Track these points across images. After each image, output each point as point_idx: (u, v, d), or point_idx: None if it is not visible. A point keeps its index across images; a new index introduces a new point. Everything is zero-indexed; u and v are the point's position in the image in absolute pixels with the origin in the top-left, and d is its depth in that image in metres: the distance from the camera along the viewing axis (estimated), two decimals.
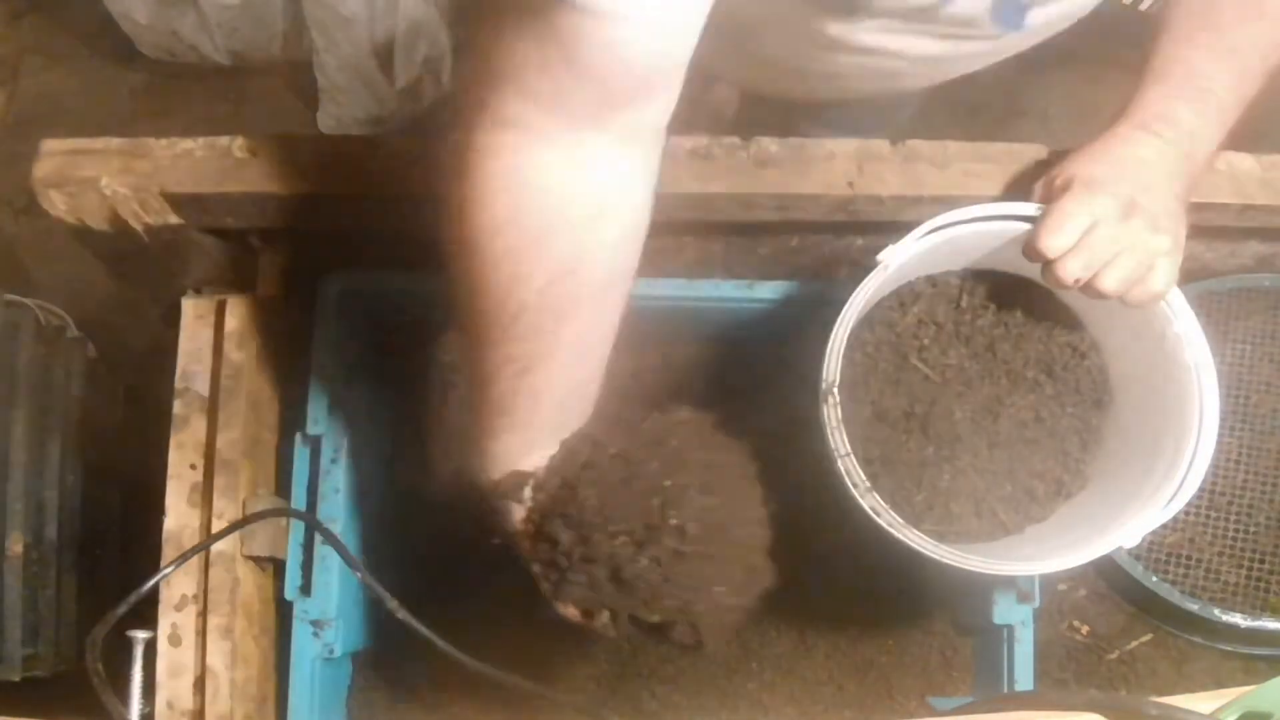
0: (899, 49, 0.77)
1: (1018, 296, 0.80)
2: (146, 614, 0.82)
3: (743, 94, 1.11)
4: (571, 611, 0.71)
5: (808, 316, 0.83)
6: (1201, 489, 0.74)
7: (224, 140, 0.82)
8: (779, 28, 0.78)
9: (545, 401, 0.64)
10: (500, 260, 0.57)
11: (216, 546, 0.85)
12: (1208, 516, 0.99)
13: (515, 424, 0.65)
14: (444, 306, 0.63)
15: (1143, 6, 0.68)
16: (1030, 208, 0.74)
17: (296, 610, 0.86)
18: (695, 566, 0.64)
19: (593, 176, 0.56)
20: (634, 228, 0.60)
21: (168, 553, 0.85)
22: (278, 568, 0.90)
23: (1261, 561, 0.98)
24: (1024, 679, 0.85)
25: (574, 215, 0.57)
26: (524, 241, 0.57)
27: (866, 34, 0.75)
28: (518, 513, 0.68)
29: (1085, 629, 1.00)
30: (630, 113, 0.55)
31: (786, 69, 0.85)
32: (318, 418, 0.88)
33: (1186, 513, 0.96)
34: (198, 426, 0.88)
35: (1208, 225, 0.86)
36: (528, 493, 0.67)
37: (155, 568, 0.81)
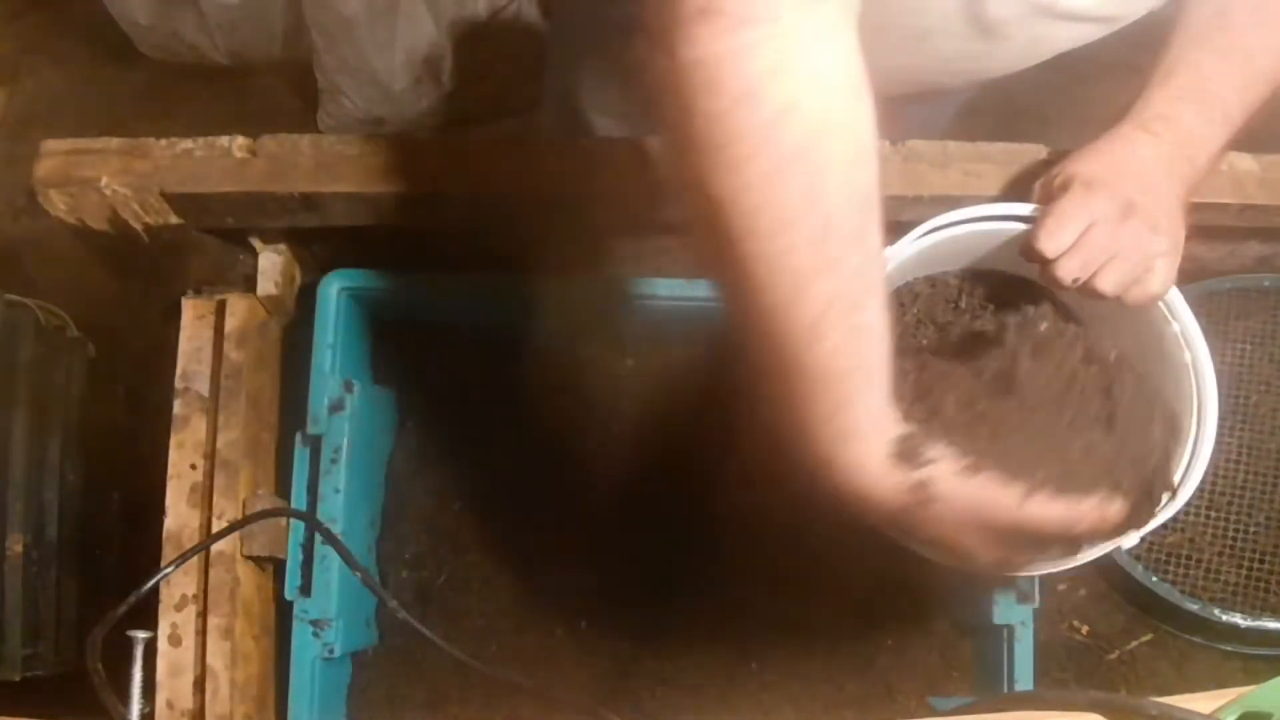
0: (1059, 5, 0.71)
1: (1017, 296, 0.80)
2: (146, 614, 0.82)
3: None
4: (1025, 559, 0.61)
5: None
6: (1201, 489, 0.74)
7: (224, 140, 0.82)
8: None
9: (882, 335, 0.53)
10: (793, 167, 0.50)
11: (216, 546, 0.85)
12: (1208, 516, 0.99)
13: (867, 379, 0.53)
14: (722, 296, 0.53)
15: None
16: (1029, 208, 0.74)
17: (296, 610, 0.86)
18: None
19: (845, 48, 0.51)
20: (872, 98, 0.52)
21: (168, 553, 0.85)
22: (278, 568, 0.90)
23: (1261, 561, 0.98)
24: (1024, 679, 0.86)
25: (849, 90, 0.51)
26: (816, 132, 0.50)
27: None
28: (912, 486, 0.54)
29: (1085, 629, 1.00)
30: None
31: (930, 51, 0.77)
32: (318, 418, 0.88)
33: (1186, 513, 0.95)
34: (198, 426, 0.88)
35: (1208, 225, 0.86)
36: (931, 454, 0.54)
37: (155, 568, 0.81)
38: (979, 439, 0.56)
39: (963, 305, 0.79)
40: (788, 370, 0.53)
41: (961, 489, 0.54)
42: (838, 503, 0.56)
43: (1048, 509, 0.55)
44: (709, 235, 0.52)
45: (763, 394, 0.56)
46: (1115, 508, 0.57)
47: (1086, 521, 0.56)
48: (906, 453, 0.53)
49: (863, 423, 0.54)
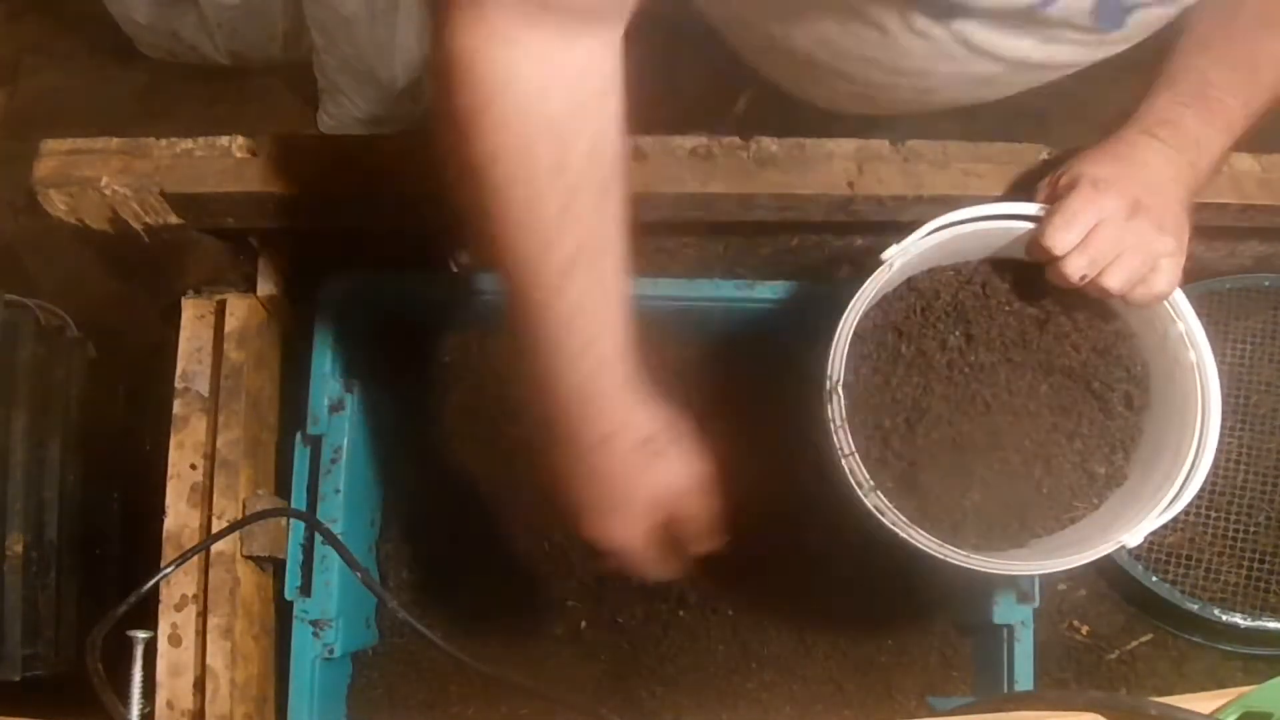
0: (997, 51, 0.74)
1: (1019, 291, 0.80)
2: (146, 614, 0.82)
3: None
4: None
5: (808, 316, 0.83)
6: (1201, 489, 0.74)
7: (224, 140, 0.82)
8: (877, 34, 0.74)
9: (621, 289, 0.61)
10: (539, 142, 0.56)
11: (216, 546, 0.85)
12: (1208, 516, 0.99)
13: (611, 322, 0.62)
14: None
15: None
16: (1033, 207, 0.74)
17: (296, 610, 0.86)
18: None
19: (591, 54, 0.57)
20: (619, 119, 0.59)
21: (168, 553, 0.85)
22: (278, 568, 0.90)
23: (1261, 561, 0.98)
24: (1024, 679, 0.86)
25: (586, 88, 0.57)
26: (558, 118, 0.56)
27: (967, 34, 0.72)
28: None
29: (1085, 629, 1.00)
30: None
31: (875, 80, 0.81)
32: (318, 418, 0.88)
33: (1186, 513, 0.95)
34: (198, 426, 0.88)
35: (1208, 225, 0.86)
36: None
37: (155, 568, 0.81)
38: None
39: (963, 304, 0.79)
40: (541, 322, 0.60)
41: (689, 462, 0.66)
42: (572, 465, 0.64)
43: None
44: (474, 210, 0.58)
45: (530, 386, 0.63)
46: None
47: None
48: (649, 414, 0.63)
49: (611, 355, 0.62)
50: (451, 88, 0.56)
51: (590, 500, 0.66)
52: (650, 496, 0.66)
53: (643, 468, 0.65)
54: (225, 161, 0.81)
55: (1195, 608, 0.94)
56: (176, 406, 0.88)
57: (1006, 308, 0.78)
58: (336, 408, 0.88)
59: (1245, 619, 0.94)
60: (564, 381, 0.62)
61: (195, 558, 0.84)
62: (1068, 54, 0.74)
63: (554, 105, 0.56)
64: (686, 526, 0.69)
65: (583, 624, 0.97)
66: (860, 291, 0.73)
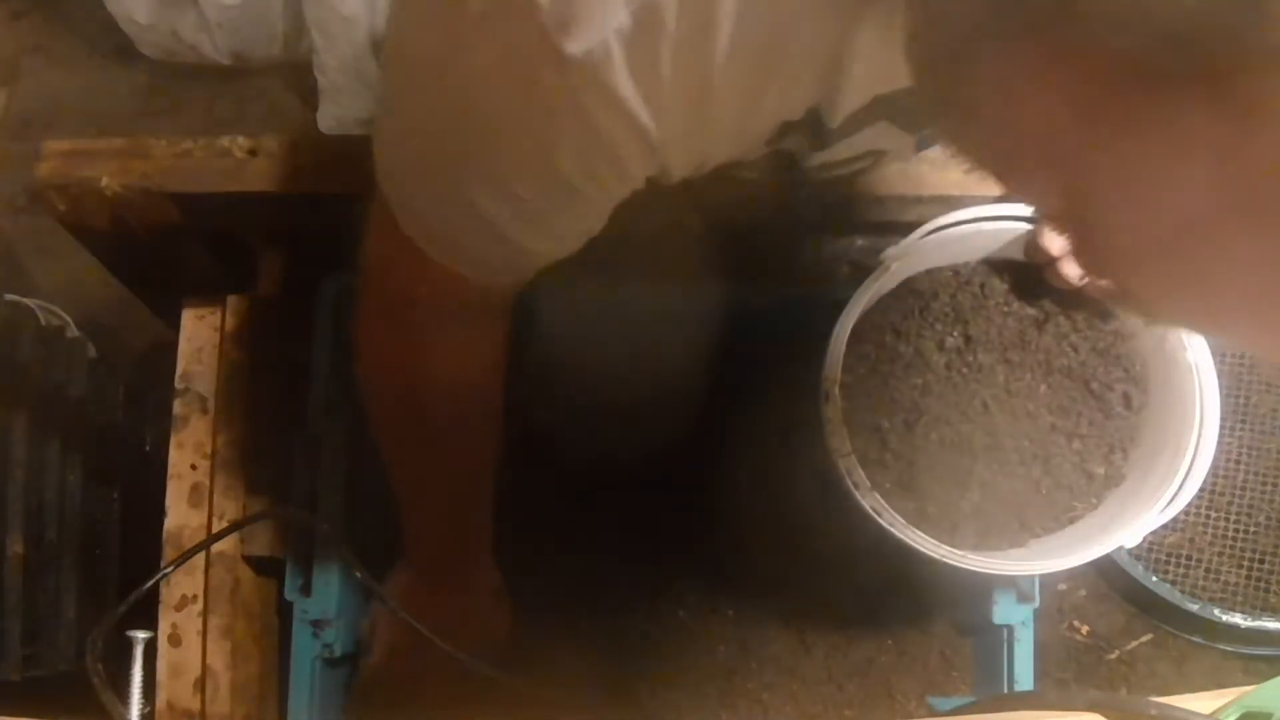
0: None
1: (1018, 291, 0.80)
2: (146, 614, 0.82)
3: None
4: None
5: (808, 317, 0.83)
6: (1201, 489, 0.74)
7: (224, 140, 0.82)
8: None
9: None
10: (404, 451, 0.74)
11: (216, 547, 0.85)
12: (1208, 516, 0.99)
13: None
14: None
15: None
16: (1031, 208, 0.74)
17: (296, 610, 0.86)
18: None
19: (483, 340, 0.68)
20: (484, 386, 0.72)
21: (168, 553, 0.85)
22: (278, 568, 0.90)
23: (1261, 561, 0.98)
24: (1024, 679, 0.85)
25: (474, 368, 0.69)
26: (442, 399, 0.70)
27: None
28: None
29: (1085, 629, 1.00)
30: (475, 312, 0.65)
31: None
32: (318, 418, 0.88)
33: (1186, 513, 0.95)
34: (198, 426, 0.87)
35: None
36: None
37: (155, 568, 0.81)
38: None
39: (963, 304, 0.79)
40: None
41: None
42: None
43: None
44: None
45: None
46: None
47: None
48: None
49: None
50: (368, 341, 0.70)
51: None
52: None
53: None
54: (225, 161, 0.81)
55: (1195, 608, 0.94)
56: (176, 406, 0.88)
57: (1005, 308, 0.78)
58: (336, 408, 0.88)
59: (1245, 619, 0.94)
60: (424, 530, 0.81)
61: (195, 558, 0.84)
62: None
63: (441, 383, 0.68)
64: None
65: (583, 624, 0.97)
66: (859, 292, 0.74)
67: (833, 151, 0.56)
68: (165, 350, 0.91)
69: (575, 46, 0.39)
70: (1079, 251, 0.34)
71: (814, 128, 0.49)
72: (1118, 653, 1.00)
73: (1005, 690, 0.85)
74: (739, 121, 0.46)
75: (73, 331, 1.05)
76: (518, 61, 0.42)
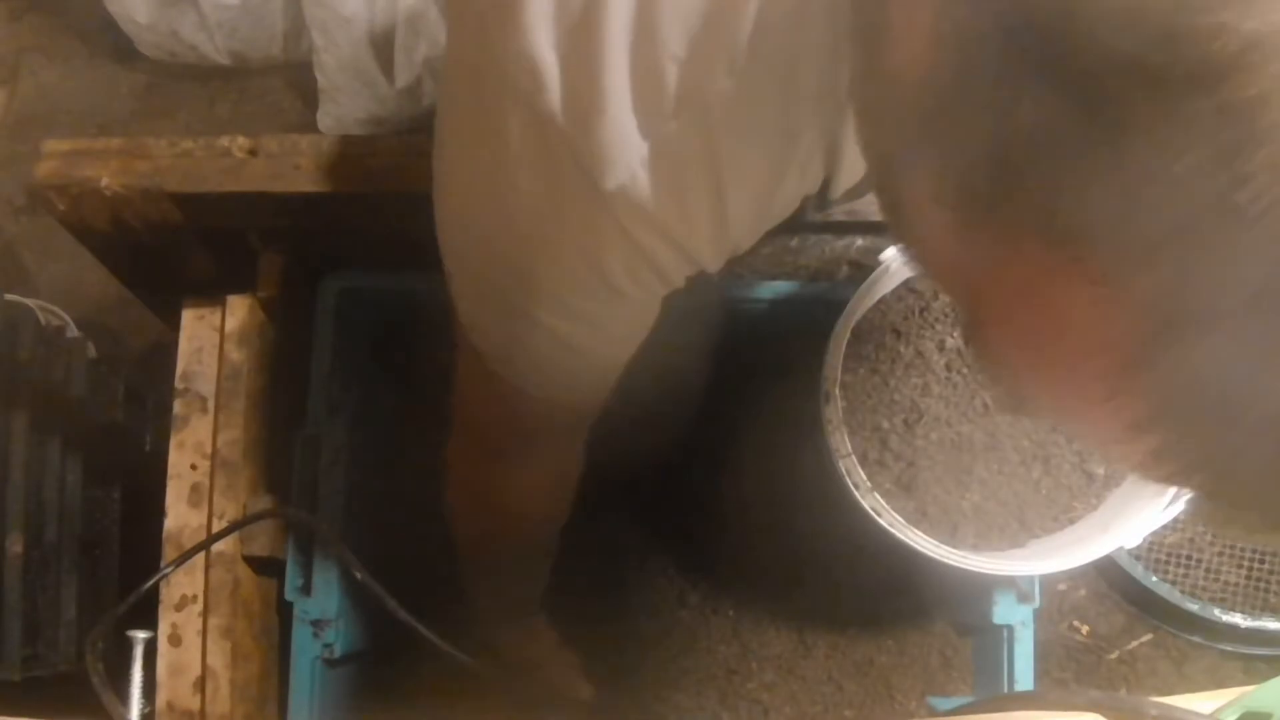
0: None
1: None
2: (146, 614, 0.82)
3: None
4: None
5: (808, 317, 0.83)
6: None
7: (224, 140, 0.82)
8: None
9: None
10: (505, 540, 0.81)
11: (216, 547, 0.85)
12: None
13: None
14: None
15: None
16: None
17: (296, 610, 0.86)
18: None
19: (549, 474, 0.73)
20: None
21: (168, 553, 0.85)
22: (278, 568, 0.90)
23: (1261, 561, 0.98)
24: (1024, 679, 0.85)
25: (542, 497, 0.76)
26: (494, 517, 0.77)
27: None
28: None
29: (1085, 629, 1.00)
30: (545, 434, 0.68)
31: None
32: (318, 418, 0.88)
33: (1186, 513, 0.95)
34: (198, 426, 0.87)
35: None
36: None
37: (155, 568, 0.81)
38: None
39: None
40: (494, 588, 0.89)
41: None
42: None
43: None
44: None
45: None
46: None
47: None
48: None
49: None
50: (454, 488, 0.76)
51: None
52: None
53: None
54: (225, 161, 0.81)
55: (1195, 608, 0.94)
56: (176, 406, 0.88)
57: None
58: (336, 408, 0.88)
59: (1245, 619, 0.94)
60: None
61: (195, 558, 0.84)
62: None
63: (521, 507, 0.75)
64: None
65: (583, 625, 0.97)
66: (859, 292, 0.73)
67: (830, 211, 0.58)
68: (165, 350, 0.91)
69: (609, 183, 0.43)
70: (973, 353, 0.38)
71: (819, 198, 0.53)
72: (1118, 653, 1.00)
73: (1005, 690, 0.85)
74: (760, 213, 0.50)
75: (73, 331, 1.05)
76: (560, 195, 0.45)
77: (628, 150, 0.42)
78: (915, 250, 0.36)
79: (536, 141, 0.44)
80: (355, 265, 0.90)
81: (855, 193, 0.54)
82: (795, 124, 0.44)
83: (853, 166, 0.49)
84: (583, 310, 0.52)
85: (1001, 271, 0.30)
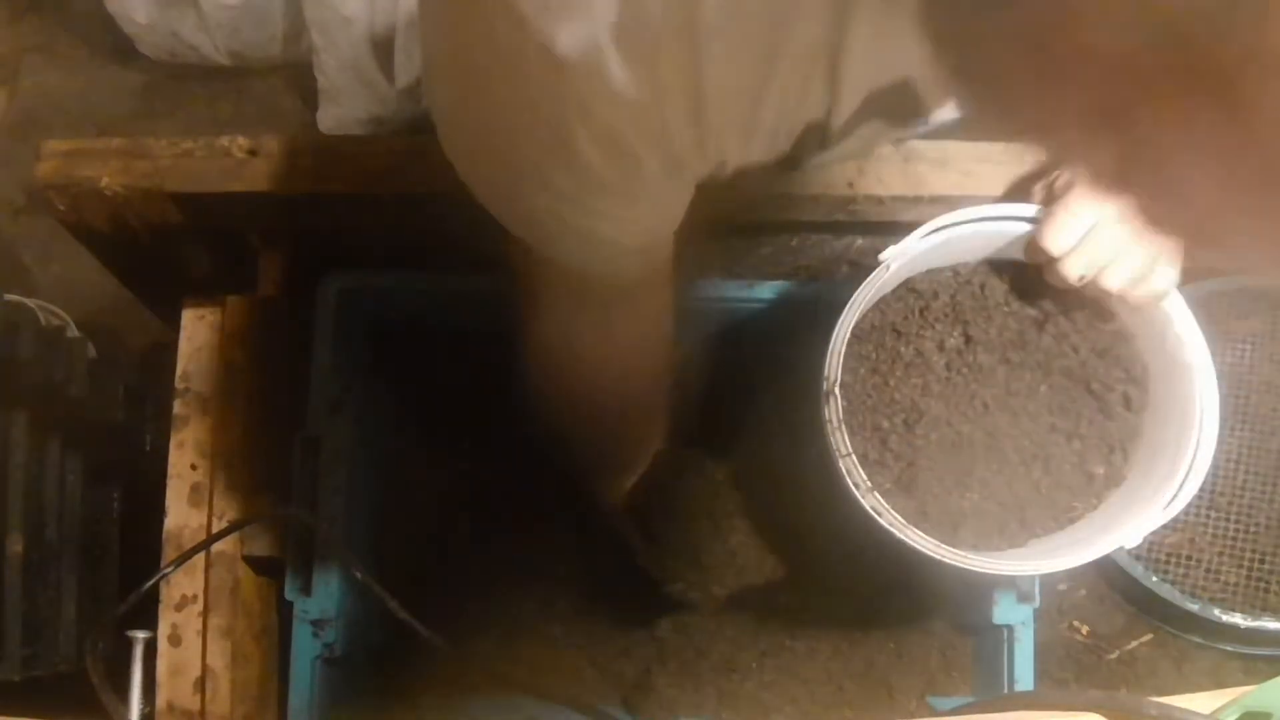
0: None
1: (1018, 292, 0.80)
2: (146, 614, 0.82)
3: None
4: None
5: (808, 316, 0.83)
6: (1201, 489, 0.74)
7: (224, 140, 0.82)
8: None
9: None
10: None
11: (216, 547, 0.85)
12: (1208, 516, 0.99)
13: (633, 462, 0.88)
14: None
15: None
16: (1031, 209, 0.74)
17: (296, 610, 0.86)
18: None
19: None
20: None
21: (168, 553, 0.85)
22: (278, 568, 0.90)
23: (1261, 561, 0.98)
24: (1024, 679, 0.85)
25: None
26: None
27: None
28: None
29: (1085, 629, 1.00)
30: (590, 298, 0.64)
31: None
32: (318, 418, 0.88)
33: (1186, 513, 0.95)
34: (198, 426, 0.88)
35: None
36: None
37: (155, 568, 0.81)
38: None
39: (962, 304, 0.79)
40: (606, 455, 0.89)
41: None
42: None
43: None
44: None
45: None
46: None
47: None
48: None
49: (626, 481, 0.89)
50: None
51: None
52: None
53: None
54: (225, 161, 0.82)
55: (1195, 608, 0.94)
56: (176, 406, 0.88)
57: (1005, 309, 0.78)
58: (336, 408, 0.88)
59: (1245, 619, 0.94)
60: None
61: (195, 558, 0.84)
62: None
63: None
64: None
65: (583, 624, 0.97)
66: (858, 292, 0.73)
67: (832, 152, 0.56)
68: (165, 350, 0.91)
69: (566, 44, 0.40)
70: (1141, 207, 0.29)
71: (821, 132, 0.50)
72: (1118, 653, 1.00)
73: (1005, 690, 0.86)
74: (746, 116, 0.47)
75: (73, 331, 1.05)
76: (513, 59, 0.42)
77: (596, 10, 0.39)
78: (1034, 125, 0.30)
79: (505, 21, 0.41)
80: (355, 265, 0.90)
81: (854, 122, 0.51)
82: (776, 27, 0.42)
83: (854, 86, 0.47)
84: (568, 190, 0.49)
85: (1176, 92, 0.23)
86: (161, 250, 0.87)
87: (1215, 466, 0.77)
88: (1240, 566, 0.98)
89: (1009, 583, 0.86)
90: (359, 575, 0.76)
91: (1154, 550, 0.97)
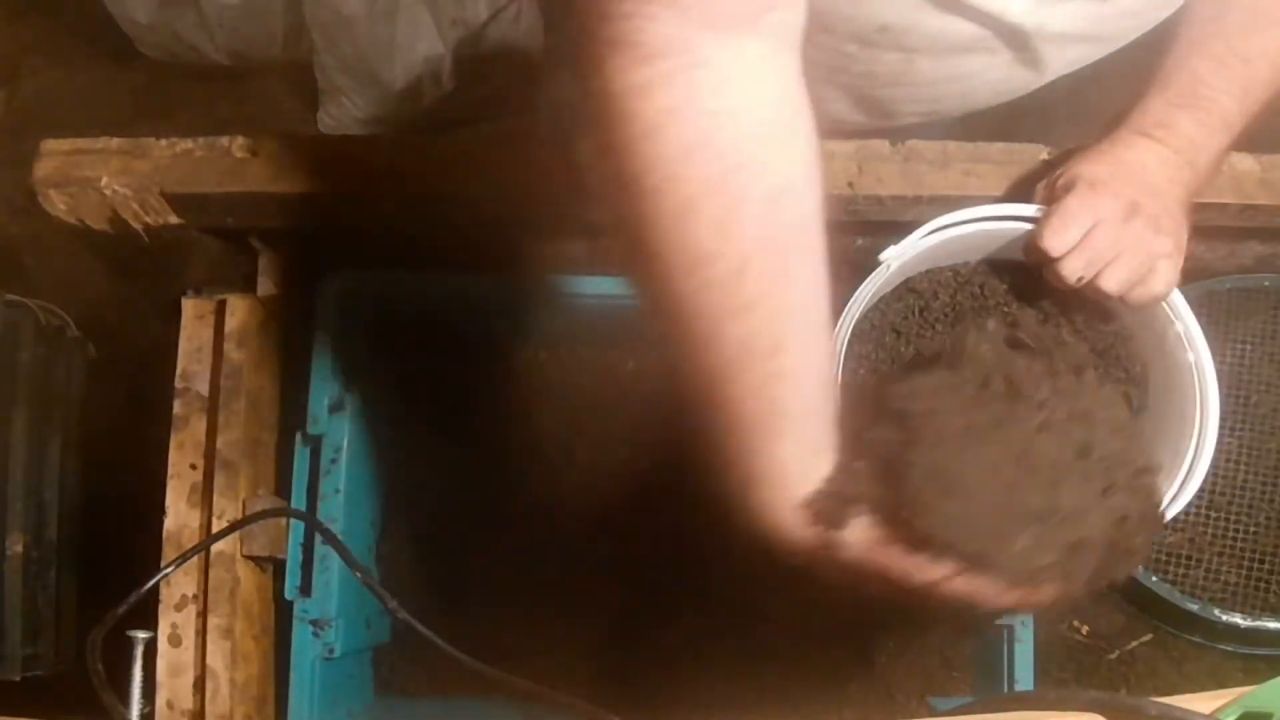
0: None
1: (1017, 292, 0.80)
2: (146, 614, 0.82)
3: None
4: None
5: None
6: (1201, 489, 0.74)
7: (224, 140, 0.82)
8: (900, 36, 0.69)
9: (809, 379, 0.51)
10: (701, 204, 0.48)
11: (216, 546, 0.85)
12: (1208, 516, 0.99)
13: (779, 428, 0.51)
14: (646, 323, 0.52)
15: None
16: (1031, 209, 0.74)
17: (296, 610, 0.86)
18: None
19: (772, 85, 0.49)
20: (814, 136, 0.51)
21: (168, 553, 0.85)
22: (278, 568, 0.90)
23: (1261, 561, 0.98)
24: (1024, 679, 0.85)
25: (767, 127, 0.49)
26: (726, 171, 0.48)
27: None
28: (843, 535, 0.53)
29: (1085, 629, 1.00)
30: (778, 10, 0.49)
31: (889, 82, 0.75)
32: (318, 418, 0.88)
33: (1186, 513, 0.95)
34: (198, 426, 0.88)
35: (1208, 225, 0.86)
36: (844, 515, 0.52)
37: (155, 568, 0.81)
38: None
39: (961, 303, 0.79)
40: (705, 404, 0.52)
41: (870, 555, 0.53)
42: (752, 535, 0.55)
43: (954, 587, 0.52)
44: (633, 265, 0.51)
45: (690, 418, 0.54)
46: (1039, 594, 0.52)
47: (999, 602, 0.53)
48: (820, 512, 0.52)
49: (772, 471, 0.52)
50: (600, 138, 0.50)
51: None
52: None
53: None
54: (225, 161, 0.81)
55: (1195, 608, 0.94)
56: (176, 406, 0.88)
57: (1005, 308, 0.78)
58: (336, 408, 0.88)
59: (1245, 619, 0.94)
60: (725, 478, 0.53)
61: (195, 558, 0.84)
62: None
63: (713, 159, 0.48)
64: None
65: (584, 624, 0.97)
66: (858, 292, 0.73)
67: None
68: (165, 350, 0.91)
69: None
70: None
71: None
72: (1118, 653, 1.00)
73: (1005, 690, 0.85)
74: None
75: (73, 331, 1.05)
76: None
77: None
78: None
79: None
80: (355, 265, 0.90)
81: None
82: None
83: None
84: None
85: None
86: (161, 250, 0.87)
87: (1215, 466, 0.77)
88: (1240, 566, 0.98)
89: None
90: (359, 575, 0.76)
91: (1154, 550, 0.97)
